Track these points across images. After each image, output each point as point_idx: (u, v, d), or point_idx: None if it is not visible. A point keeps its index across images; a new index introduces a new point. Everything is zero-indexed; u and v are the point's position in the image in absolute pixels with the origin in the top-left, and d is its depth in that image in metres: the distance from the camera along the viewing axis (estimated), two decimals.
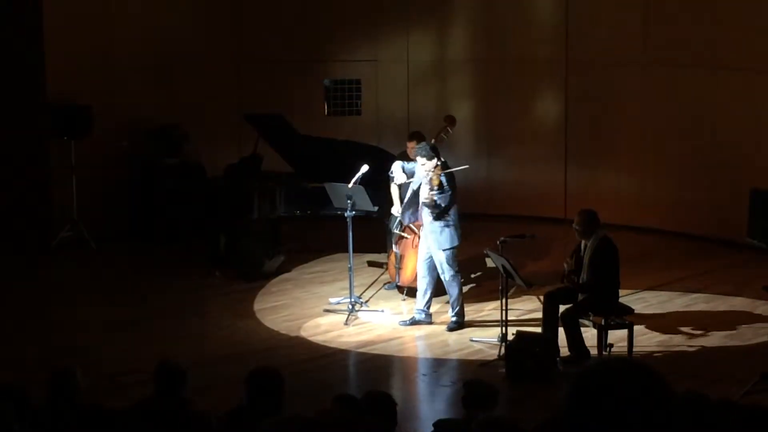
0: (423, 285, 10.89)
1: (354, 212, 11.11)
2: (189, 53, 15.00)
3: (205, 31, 15.20)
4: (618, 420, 2.45)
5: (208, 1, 15.44)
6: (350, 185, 11.10)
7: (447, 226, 10.69)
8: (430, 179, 10.52)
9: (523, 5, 15.15)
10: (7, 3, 13.91)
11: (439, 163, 10.54)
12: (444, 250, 10.70)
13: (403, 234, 11.75)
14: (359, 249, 11.90)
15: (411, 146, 11.75)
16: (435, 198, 10.53)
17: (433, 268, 10.84)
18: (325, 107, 15.56)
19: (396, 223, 11.80)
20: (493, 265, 10.56)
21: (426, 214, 10.76)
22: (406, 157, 11.73)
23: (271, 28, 15.45)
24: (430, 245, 10.77)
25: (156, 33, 14.72)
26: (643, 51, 14.20)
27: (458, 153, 13.93)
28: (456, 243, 10.76)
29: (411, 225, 11.64)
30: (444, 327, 10.82)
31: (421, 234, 10.98)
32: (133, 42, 14.54)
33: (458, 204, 10.85)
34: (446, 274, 10.73)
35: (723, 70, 13.53)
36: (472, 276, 12.41)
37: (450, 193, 10.61)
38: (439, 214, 10.62)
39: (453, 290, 10.78)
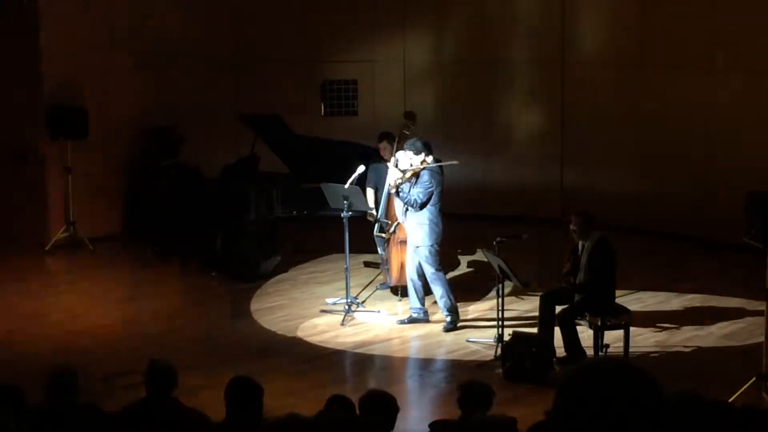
0: (413, 283, 10.91)
1: (351, 213, 11.12)
2: (186, 54, 15.00)
3: (202, 32, 15.20)
4: (607, 422, 2.46)
5: (207, 2, 15.44)
6: (347, 186, 11.12)
7: (421, 223, 10.64)
8: (406, 170, 10.50)
9: (519, 6, 15.16)
10: (4, 4, 13.90)
11: (426, 158, 10.57)
12: (420, 247, 10.69)
13: (381, 235, 11.81)
14: (356, 249, 11.92)
15: (382, 147, 11.84)
16: (399, 187, 10.50)
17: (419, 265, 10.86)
18: (322, 108, 15.57)
19: (377, 227, 11.86)
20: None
21: (400, 212, 10.80)
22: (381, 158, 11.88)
23: (268, 28, 15.46)
24: (408, 242, 10.78)
25: (154, 34, 14.72)
26: (640, 52, 14.22)
27: (455, 153, 13.92)
28: (433, 241, 10.67)
29: (383, 223, 11.72)
30: (440, 327, 10.84)
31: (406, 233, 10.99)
32: (130, 42, 14.53)
33: (442, 202, 10.75)
34: (426, 271, 10.71)
35: (720, 70, 13.55)
36: (471, 276, 12.43)
37: (430, 188, 10.60)
38: (410, 208, 10.57)
39: (436, 288, 10.73)
